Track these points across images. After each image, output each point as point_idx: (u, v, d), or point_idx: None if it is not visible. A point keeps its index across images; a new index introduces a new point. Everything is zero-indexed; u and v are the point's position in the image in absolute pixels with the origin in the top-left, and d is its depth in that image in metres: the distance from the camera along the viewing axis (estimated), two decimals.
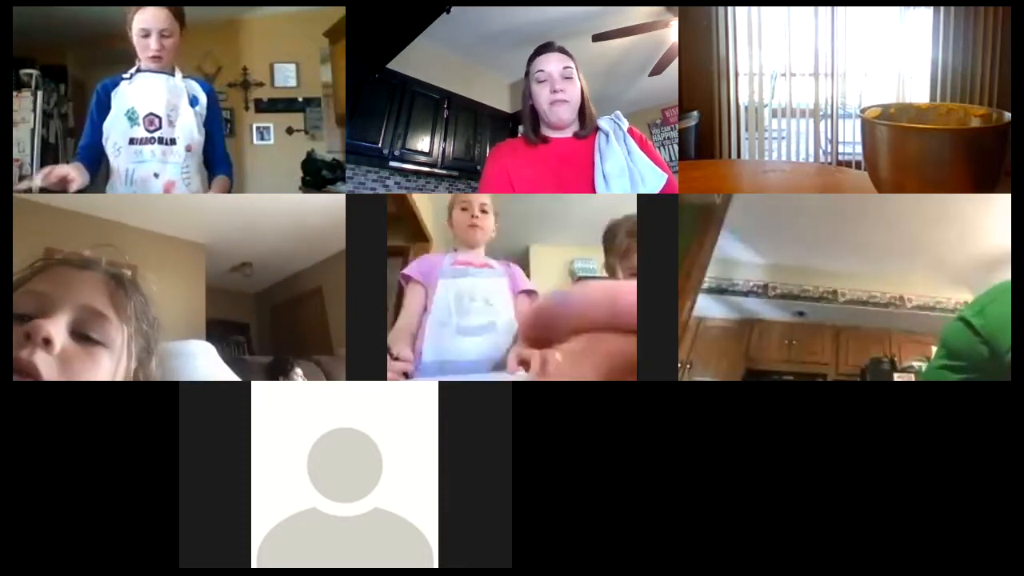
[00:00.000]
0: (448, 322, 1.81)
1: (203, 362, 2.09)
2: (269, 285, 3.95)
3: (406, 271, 1.92)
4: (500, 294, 1.89)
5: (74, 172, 1.86)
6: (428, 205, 2.67)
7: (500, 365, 1.79)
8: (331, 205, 2.69)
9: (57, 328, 0.96)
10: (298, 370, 2.71)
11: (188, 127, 1.94)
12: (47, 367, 0.95)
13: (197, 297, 3.32)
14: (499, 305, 1.87)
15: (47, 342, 0.94)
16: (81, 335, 0.98)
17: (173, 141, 1.92)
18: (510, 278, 1.95)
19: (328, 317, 3.55)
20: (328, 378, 2.79)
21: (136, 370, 1.04)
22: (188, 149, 1.93)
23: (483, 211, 1.94)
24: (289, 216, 2.97)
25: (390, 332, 1.81)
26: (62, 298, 0.98)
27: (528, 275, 1.98)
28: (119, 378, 1.01)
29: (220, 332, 3.63)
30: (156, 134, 1.91)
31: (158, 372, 1.08)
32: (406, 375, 1.70)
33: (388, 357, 1.69)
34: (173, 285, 3.12)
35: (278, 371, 2.68)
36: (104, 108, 1.92)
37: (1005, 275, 1.56)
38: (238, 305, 4.01)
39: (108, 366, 0.99)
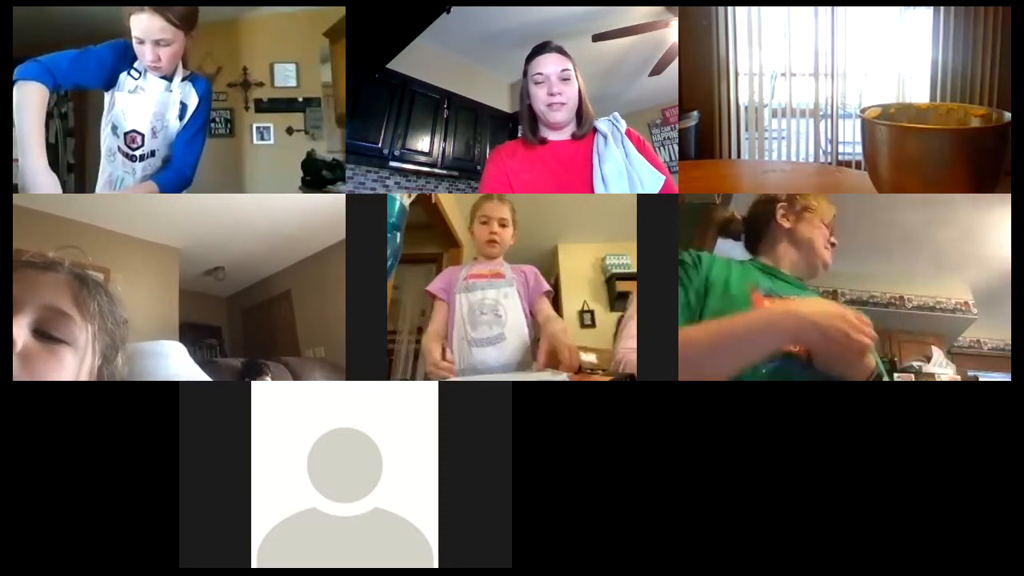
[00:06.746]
0: (465, 336, 1.94)
1: (173, 362, 2.10)
2: (241, 289, 3.96)
3: (430, 288, 2.05)
4: (508, 303, 1.99)
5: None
6: (458, 210, 2.69)
7: (515, 369, 1.92)
8: (302, 209, 2.72)
9: (19, 328, 0.98)
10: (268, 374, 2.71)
11: (171, 140, 1.92)
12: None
13: (171, 300, 3.32)
14: (506, 315, 1.97)
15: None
16: (44, 334, 1.00)
17: (153, 153, 1.91)
18: (522, 284, 2.05)
19: (296, 320, 3.57)
20: (295, 378, 2.81)
21: (101, 367, 1.06)
22: (165, 160, 1.92)
23: (502, 226, 2.06)
24: (261, 220, 2.97)
25: (423, 340, 2.00)
26: (24, 298, 1.00)
27: (559, 273, 2.02)
28: (84, 375, 1.03)
29: (194, 335, 3.65)
30: (137, 152, 1.89)
31: (126, 370, 1.10)
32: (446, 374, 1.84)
33: (428, 362, 1.86)
34: (147, 288, 3.12)
35: (249, 373, 2.67)
36: (110, 62, 1.85)
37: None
38: (211, 308, 4.02)
39: (72, 364, 1.01)
